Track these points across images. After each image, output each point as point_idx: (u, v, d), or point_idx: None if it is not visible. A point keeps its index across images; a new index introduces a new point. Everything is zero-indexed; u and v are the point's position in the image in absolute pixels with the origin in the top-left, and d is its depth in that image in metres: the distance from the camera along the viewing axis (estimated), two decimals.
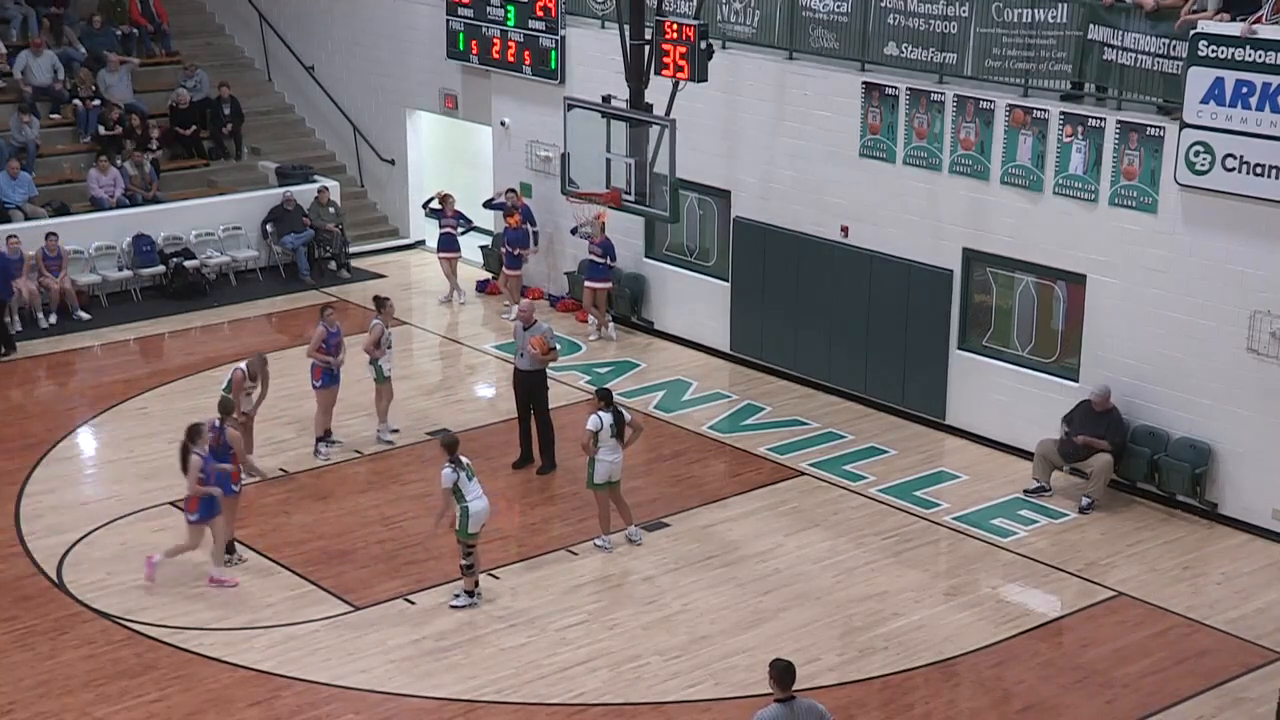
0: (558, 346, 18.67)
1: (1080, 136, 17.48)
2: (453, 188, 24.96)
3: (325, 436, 18.51)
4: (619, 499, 16.34)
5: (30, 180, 24.16)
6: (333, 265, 25.26)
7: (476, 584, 15.25)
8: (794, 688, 10.75)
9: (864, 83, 19.46)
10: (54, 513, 17.06)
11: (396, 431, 18.97)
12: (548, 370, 18.18)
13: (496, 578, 15.58)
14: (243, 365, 17.45)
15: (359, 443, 18.72)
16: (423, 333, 22.96)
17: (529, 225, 23.31)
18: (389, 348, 18.62)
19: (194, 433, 15.26)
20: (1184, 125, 16.46)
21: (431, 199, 24.36)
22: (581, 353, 21.96)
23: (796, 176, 20.37)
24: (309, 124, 28.37)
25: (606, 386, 16.80)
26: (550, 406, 18.16)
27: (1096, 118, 17.36)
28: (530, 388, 18.00)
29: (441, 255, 24.23)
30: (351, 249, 25.66)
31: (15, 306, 22.48)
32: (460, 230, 24.13)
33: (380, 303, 18.82)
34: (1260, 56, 15.80)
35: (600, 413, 15.94)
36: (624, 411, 16.11)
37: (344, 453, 18.54)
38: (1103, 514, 17.20)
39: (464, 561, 15.07)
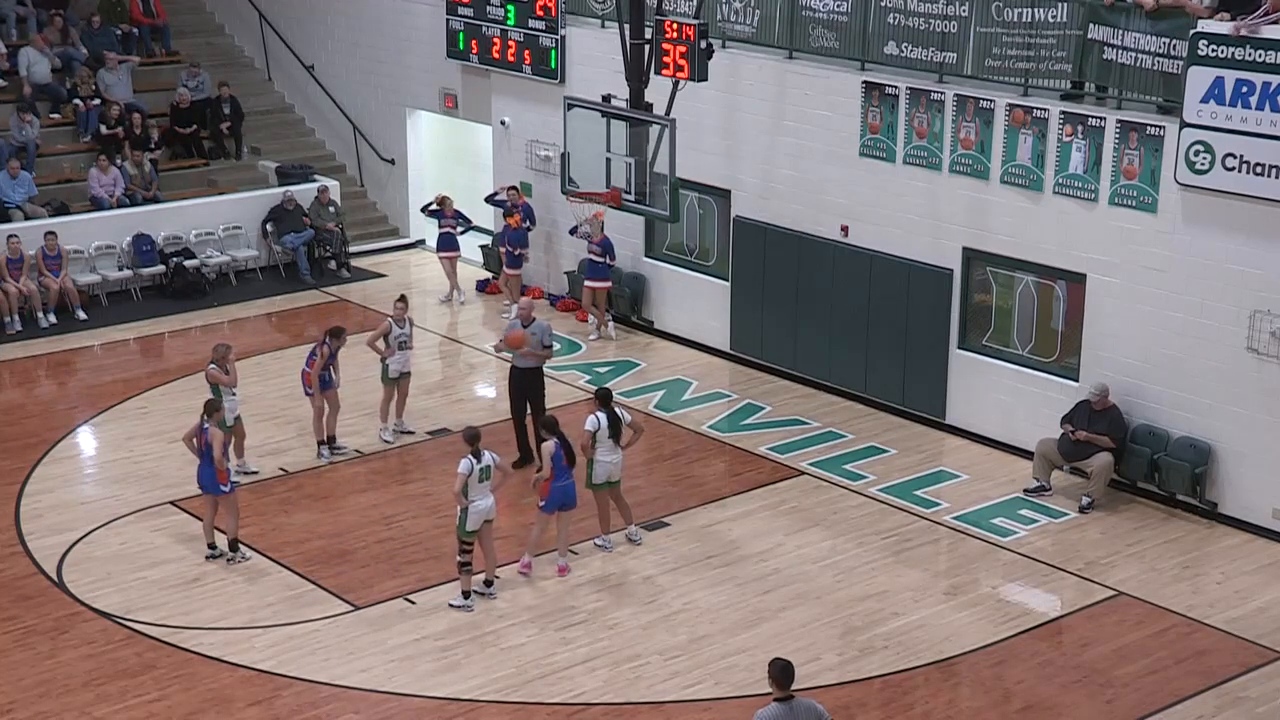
0: (556, 345, 18.75)
1: (1080, 136, 17.48)
2: (453, 188, 24.99)
3: (331, 441, 18.53)
4: (619, 499, 16.34)
5: (30, 180, 24.16)
6: (333, 265, 25.26)
7: (489, 582, 15.29)
8: (794, 687, 10.74)
9: (864, 82, 19.46)
10: (54, 513, 17.07)
11: (411, 433, 18.96)
12: (544, 368, 18.17)
13: (497, 577, 15.58)
14: (211, 366, 17.41)
15: (360, 443, 18.71)
16: (423, 333, 22.88)
17: (529, 224, 23.32)
18: (401, 348, 18.62)
19: (552, 423, 15.49)
20: (1184, 125, 16.46)
21: (430, 203, 24.34)
22: (581, 352, 21.96)
23: (796, 176, 20.37)
24: (309, 124, 28.37)
25: (606, 387, 16.80)
26: (547, 406, 18.16)
27: (1096, 117, 17.36)
28: (526, 385, 17.90)
29: (441, 255, 24.24)
30: (351, 248, 25.66)
31: (15, 305, 22.52)
32: (460, 230, 24.15)
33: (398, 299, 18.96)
34: (1260, 56, 15.80)
35: (597, 413, 15.94)
36: (622, 413, 16.10)
37: (344, 453, 18.56)
38: (1103, 513, 17.20)
39: (460, 559, 15.07)
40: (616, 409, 16.07)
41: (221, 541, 16.00)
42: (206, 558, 15.95)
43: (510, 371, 18.11)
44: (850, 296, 19.88)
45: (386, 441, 18.80)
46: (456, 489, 14.83)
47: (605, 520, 16.31)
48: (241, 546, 16.01)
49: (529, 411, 17.95)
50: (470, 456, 14.82)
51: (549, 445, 15.47)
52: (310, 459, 18.37)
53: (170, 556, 16.06)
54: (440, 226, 24.16)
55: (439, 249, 24.34)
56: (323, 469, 18.22)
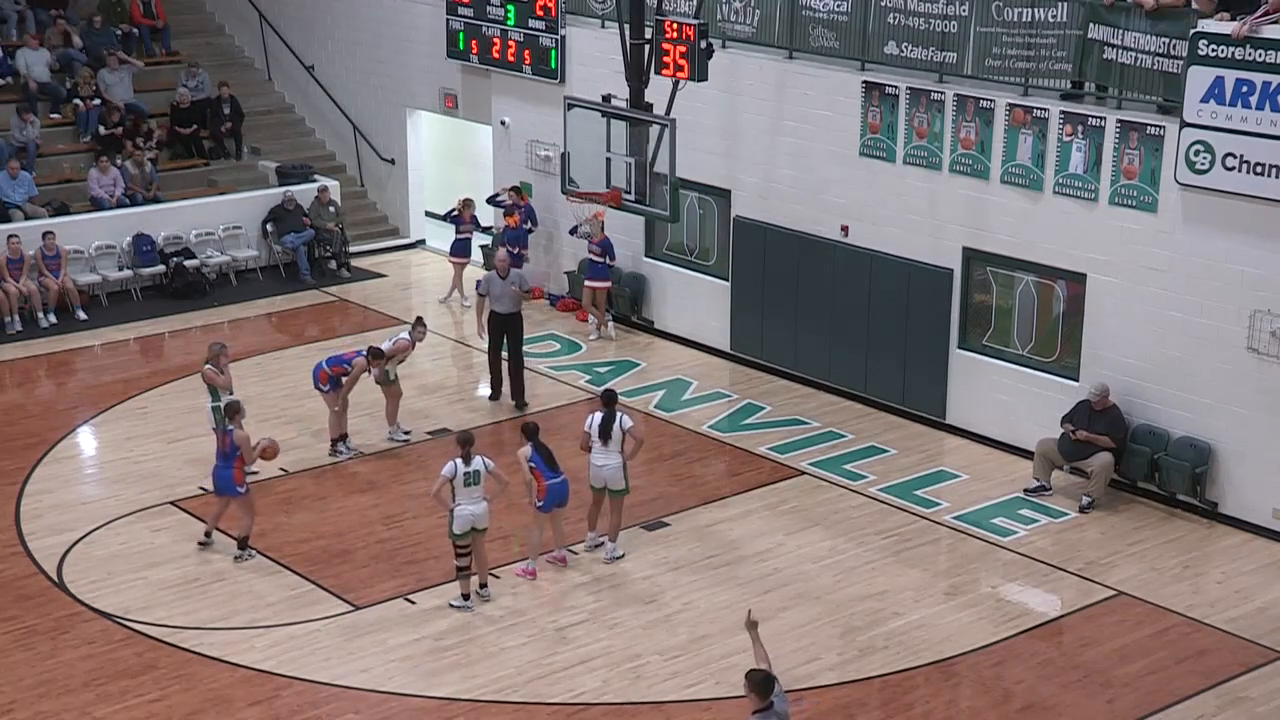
0: (530, 290, 21.09)
1: (1080, 136, 17.48)
2: (453, 188, 24.95)
3: (343, 439, 18.56)
4: (614, 509, 16.03)
5: (30, 180, 24.16)
6: (333, 265, 25.25)
7: (484, 585, 15.28)
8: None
9: (864, 82, 19.46)
10: (54, 513, 17.07)
11: (409, 433, 18.97)
12: (522, 313, 19.78)
13: (497, 577, 15.58)
14: (206, 366, 17.46)
15: (361, 443, 18.69)
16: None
17: (529, 224, 23.30)
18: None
19: (532, 430, 15.52)
20: (1184, 124, 16.46)
21: (452, 210, 24.22)
22: (581, 352, 21.97)
23: (796, 176, 20.37)
24: (309, 124, 28.37)
25: (610, 389, 16.72)
26: (547, 406, 18.19)
27: (1096, 117, 17.36)
28: (506, 328, 19.56)
29: (454, 259, 24.19)
30: (351, 248, 25.66)
31: (15, 305, 22.52)
32: (483, 228, 24.17)
33: (416, 323, 18.91)
34: (1260, 56, 15.80)
35: (593, 413, 15.90)
36: (623, 417, 15.82)
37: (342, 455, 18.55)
38: (1103, 513, 17.20)
39: (456, 563, 15.05)
40: (618, 411, 15.94)
41: (222, 540, 16.01)
42: (199, 544, 16.02)
43: (490, 316, 19.59)
44: (850, 296, 19.87)
45: (402, 442, 18.78)
46: (434, 489, 14.86)
47: (592, 520, 16.23)
48: (250, 546, 16.02)
49: (506, 352, 19.80)
50: (458, 459, 14.76)
51: (525, 450, 15.42)
52: (309, 458, 18.37)
53: (170, 556, 16.06)
54: (458, 232, 24.06)
55: (453, 253, 24.24)
56: (323, 469, 18.22)
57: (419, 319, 19.07)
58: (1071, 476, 17.71)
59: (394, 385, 18.75)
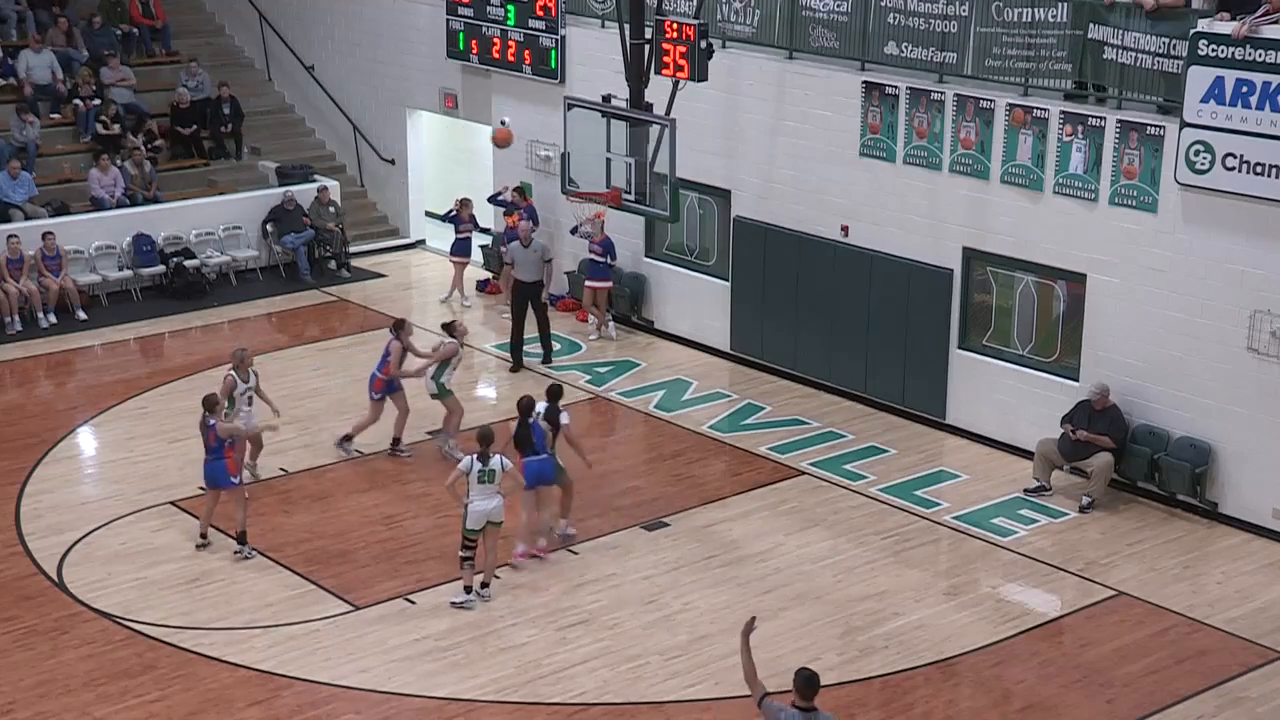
0: (550, 259, 21.92)
1: (1080, 136, 17.48)
2: (453, 188, 24.93)
3: (348, 438, 18.55)
4: (565, 492, 16.39)
5: (31, 180, 24.16)
6: (333, 265, 25.25)
7: (486, 584, 15.29)
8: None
9: (864, 82, 19.46)
10: (54, 513, 17.06)
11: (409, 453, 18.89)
12: (544, 283, 21.24)
13: (498, 577, 15.58)
14: (230, 371, 17.38)
15: (362, 443, 18.67)
16: (423, 333, 22.86)
17: (531, 224, 23.28)
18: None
19: (527, 406, 15.69)
20: (1184, 124, 16.46)
21: (450, 210, 24.23)
22: (582, 352, 21.96)
23: (796, 176, 20.37)
24: (309, 124, 28.37)
25: (557, 383, 16.88)
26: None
27: (1097, 117, 17.36)
28: (529, 295, 21.06)
29: (454, 259, 24.20)
30: (351, 249, 25.66)
31: (15, 305, 22.52)
32: (482, 228, 24.18)
33: (450, 327, 18.58)
34: (1260, 56, 15.81)
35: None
36: (560, 413, 16.06)
37: (343, 452, 18.55)
38: (1103, 513, 17.20)
39: (461, 553, 15.08)
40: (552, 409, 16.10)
41: (221, 539, 16.01)
42: (197, 547, 16.06)
43: (514, 284, 21.16)
44: (850, 296, 19.87)
45: (455, 458, 18.37)
46: (449, 481, 14.94)
47: (565, 507, 16.41)
48: (248, 544, 16.03)
49: (531, 314, 21.05)
50: (475, 456, 14.82)
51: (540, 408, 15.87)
52: (310, 458, 18.37)
53: (170, 556, 16.06)
54: (457, 232, 24.06)
55: (453, 253, 24.25)
56: (323, 469, 18.21)
57: (452, 323, 18.59)
58: (1071, 476, 17.71)
59: (451, 397, 18.29)
